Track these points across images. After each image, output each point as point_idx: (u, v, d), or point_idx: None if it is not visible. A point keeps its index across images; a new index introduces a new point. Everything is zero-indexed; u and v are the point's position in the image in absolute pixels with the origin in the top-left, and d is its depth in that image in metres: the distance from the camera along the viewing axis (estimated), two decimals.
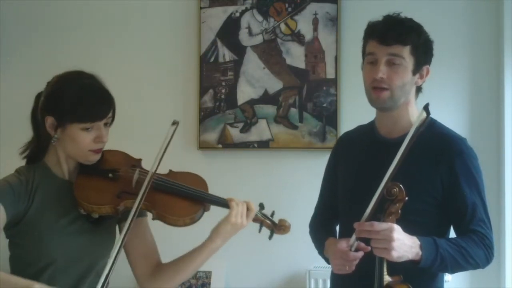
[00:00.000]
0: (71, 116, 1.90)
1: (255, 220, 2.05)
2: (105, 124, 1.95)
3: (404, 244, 1.85)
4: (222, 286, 3.46)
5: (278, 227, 2.08)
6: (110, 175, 1.98)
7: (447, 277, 3.12)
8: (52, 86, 1.97)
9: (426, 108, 1.85)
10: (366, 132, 2.22)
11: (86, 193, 1.93)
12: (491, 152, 3.32)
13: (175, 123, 1.93)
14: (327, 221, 2.31)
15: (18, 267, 1.97)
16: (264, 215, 2.08)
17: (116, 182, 1.97)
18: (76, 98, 1.91)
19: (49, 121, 1.94)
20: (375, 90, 2.03)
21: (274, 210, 2.11)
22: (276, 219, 2.09)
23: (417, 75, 2.06)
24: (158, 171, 1.96)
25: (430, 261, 1.90)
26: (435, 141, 2.04)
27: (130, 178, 1.97)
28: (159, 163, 1.92)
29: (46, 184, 1.97)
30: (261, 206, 2.09)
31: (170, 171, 2.07)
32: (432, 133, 2.05)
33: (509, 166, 3.25)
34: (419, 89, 2.13)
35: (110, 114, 1.96)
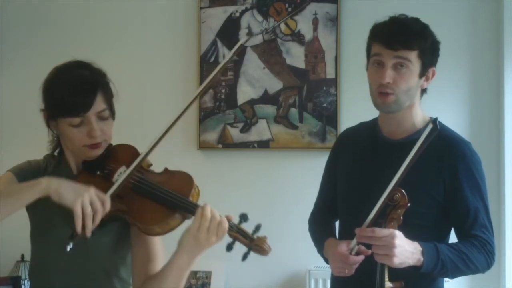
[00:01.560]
0: (56, 111, 1.84)
1: (229, 235, 1.76)
2: (101, 119, 1.85)
3: (405, 251, 1.84)
4: (222, 286, 3.46)
5: (254, 246, 1.75)
6: (98, 172, 1.88)
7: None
8: (45, 80, 1.92)
9: (434, 122, 1.82)
10: (368, 130, 2.18)
11: None
12: (491, 152, 3.32)
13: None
14: (326, 218, 2.28)
15: (32, 253, 1.95)
16: (240, 230, 1.76)
17: (104, 181, 1.85)
18: (59, 92, 1.83)
19: (45, 116, 1.91)
20: (381, 95, 1.99)
21: (260, 223, 1.78)
22: (256, 235, 1.77)
23: (423, 78, 2.02)
24: (155, 168, 1.89)
25: (431, 267, 1.89)
26: (439, 144, 1.99)
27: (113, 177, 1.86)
28: (141, 160, 1.81)
29: (59, 177, 1.88)
30: (243, 217, 1.77)
31: (166, 169, 1.92)
32: (437, 135, 1.96)
33: (509, 167, 3.25)
34: (423, 91, 2.09)
35: (100, 107, 1.83)
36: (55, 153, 1.98)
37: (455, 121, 3.32)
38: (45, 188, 1.70)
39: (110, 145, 1.92)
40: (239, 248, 1.76)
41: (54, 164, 1.95)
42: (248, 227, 1.78)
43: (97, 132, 1.83)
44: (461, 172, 1.99)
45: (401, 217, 1.85)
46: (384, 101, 1.99)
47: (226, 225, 1.74)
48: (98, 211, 1.68)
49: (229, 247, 1.76)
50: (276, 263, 3.51)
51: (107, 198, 1.72)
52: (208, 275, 3.48)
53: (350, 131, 2.30)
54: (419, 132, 1.98)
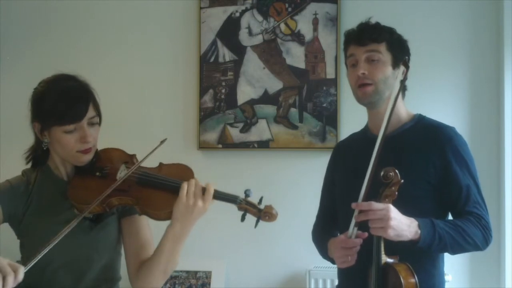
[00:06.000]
0: (51, 120, 1.93)
1: (240, 208, 1.92)
2: (91, 125, 1.97)
3: (401, 223, 1.89)
4: (222, 286, 3.46)
5: (263, 214, 1.91)
6: (97, 173, 2.01)
7: (447, 277, 3.13)
8: (34, 92, 2.01)
9: (404, 62, 2.02)
10: (360, 135, 2.33)
11: (77, 193, 1.96)
12: (491, 152, 3.32)
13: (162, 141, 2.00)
14: (329, 228, 2.34)
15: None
16: (249, 203, 1.92)
17: (105, 180, 1.98)
18: (54, 102, 1.93)
19: (36, 126, 1.99)
20: (360, 87, 2.14)
21: (262, 196, 1.95)
22: (262, 205, 1.94)
23: (397, 70, 2.13)
24: (150, 165, 2.00)
25: (429, 240, 1.93)
26: (426, 132, 2.14)
27: (116, 175, 1.99)
28: (143, 159, 1.97)
29: (46, 186, 2.01)
30: (247, 193, 1.93)
31: (160, 164, 2.05)
32: (423, 126, 2.16)
33: (509, 167, 3.25)
34: (404, 88, 2.19)
35: (91, 114, 1.96)
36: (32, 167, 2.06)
37: (455, 121, 3.32)
38: None
39: (96, 150, 2.05)
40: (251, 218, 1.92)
41: (41, 175, 2.03)
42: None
43: (89, 138, 1.95)
44: (449, 153, 2.09)
45: (396, 193, 1.91)
46: (364, 91, 2.14)
47: (212, 188, 1.91)
48: (7, 275, 1.61)
49: (242, 218, 1.92)
50: (276, 263, 3.52)
51: (20, 267, 1.65)
52: (208, 275, 3.48)
53: (343, 142, 2.45)
54: (405, 125, 2.16)
